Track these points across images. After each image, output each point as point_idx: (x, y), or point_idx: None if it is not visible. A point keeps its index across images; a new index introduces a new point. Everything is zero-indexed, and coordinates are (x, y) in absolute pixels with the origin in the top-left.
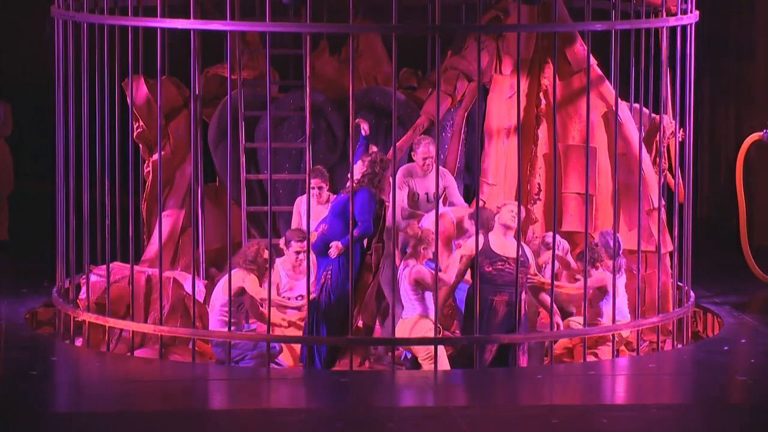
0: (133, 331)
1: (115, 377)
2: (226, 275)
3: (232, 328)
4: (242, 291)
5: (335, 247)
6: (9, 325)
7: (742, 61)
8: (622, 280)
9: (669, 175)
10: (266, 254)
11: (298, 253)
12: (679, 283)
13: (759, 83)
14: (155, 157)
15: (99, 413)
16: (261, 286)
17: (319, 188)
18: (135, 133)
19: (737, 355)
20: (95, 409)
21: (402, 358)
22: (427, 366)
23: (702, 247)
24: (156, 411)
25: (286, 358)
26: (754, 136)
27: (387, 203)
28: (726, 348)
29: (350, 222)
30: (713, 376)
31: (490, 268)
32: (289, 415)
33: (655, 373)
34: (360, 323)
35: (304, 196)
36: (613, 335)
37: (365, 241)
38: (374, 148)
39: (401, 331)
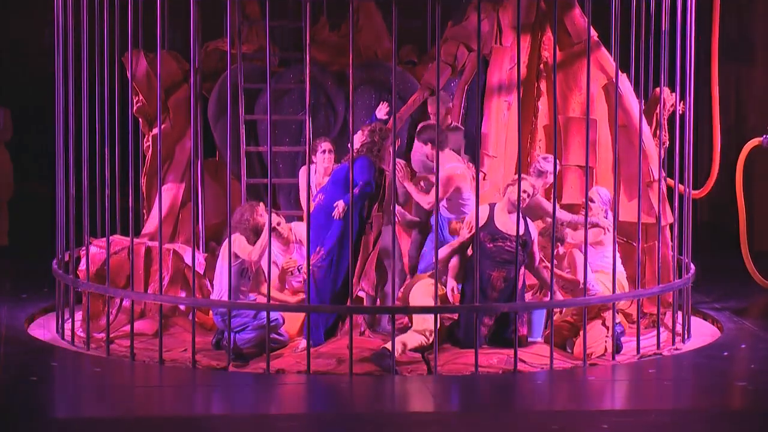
0: (133, 301)
1: (114, 382)
2: (226, 242)
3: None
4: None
5: (339, 206)
6: (9, 330)
7: (742, 65)
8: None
9: (669, 180)
10: (260, 210)
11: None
12: (679, 256)
13: (758, 87)
14: (155, 131)
15: (99, 418)
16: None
17: (330, 151)
18: (135, 108)
19: (737, 360)
20: (95, 415)
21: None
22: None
23: (702, 251)
24: (156, 416)
25: (287, 329)
26: (754, 141)
27: (387, 172)
28: (726, 353)
29: (350, 189)
30: (713, 382)
31: (491, 245)
32: (288, 420)
33: (655, 378)
34: (361, 293)
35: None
36: (614, 304)
37: (365, 212)
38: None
39: (420, 289)
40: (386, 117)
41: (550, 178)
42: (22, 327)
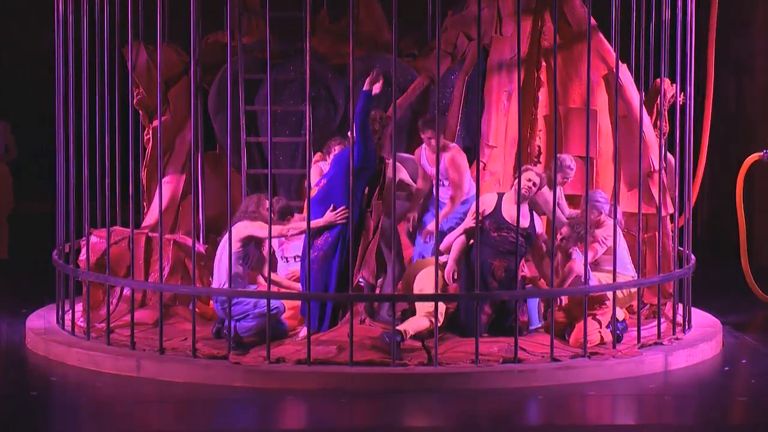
0: (133, 290)
1: (115, 397)
2: (232, 228)
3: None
4: (248, 240)
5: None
6: (9, 344)
7: (742, 78)
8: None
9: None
10: (267, 204)
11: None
12: (679, 248)
13: (759, 102)
14: (155, 123)
15: None
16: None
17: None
18: (135, 100)
19: (738, 375)
20: (95, 430)
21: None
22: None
23: (702, 266)
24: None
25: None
26: (755, 156)
27: (387, 160)
28: (726, 368)
29: (350, 176)
30: (713, 397)
31: (496, 234)
32: None
33: (655, 393)
34: (361, 281)
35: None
36: (614, 293)
37: (364, 201)
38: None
39: (425, 275)
40: (377, 93)
41: (570, 174)
42: (22, 342)
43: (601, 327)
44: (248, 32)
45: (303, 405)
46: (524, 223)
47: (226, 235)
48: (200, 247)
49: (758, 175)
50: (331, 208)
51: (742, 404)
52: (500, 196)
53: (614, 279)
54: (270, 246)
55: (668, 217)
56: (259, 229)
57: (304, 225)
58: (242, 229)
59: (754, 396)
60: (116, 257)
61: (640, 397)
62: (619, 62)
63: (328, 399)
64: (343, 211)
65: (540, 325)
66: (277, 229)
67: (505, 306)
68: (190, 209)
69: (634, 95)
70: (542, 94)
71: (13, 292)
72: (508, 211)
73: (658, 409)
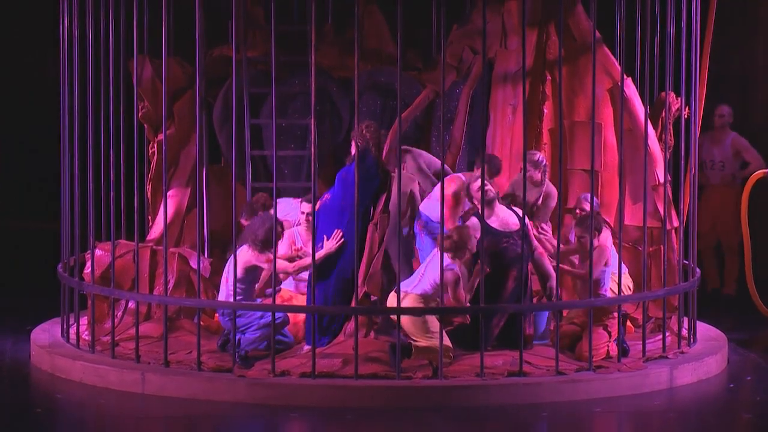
0: (138, 302)
1: (120, 414)
2: (238, 250)
3: (239, 298)
4: (252, 268)
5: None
6: (14, 362)
7: (746, 90)
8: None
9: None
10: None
11: (306, 213)
12: (684, 261)
13: (762, 114)
14: (160, 137)
15: None
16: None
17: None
18: (140, 114)
19: (742, 392)
20: None
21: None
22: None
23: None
24: None
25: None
26: (759, 173)
27: (393, 174)
28: (731, 385)
29: (356, 189)
30: (718, 414)
31: (505, 245)
32: None
33: (660, 410)
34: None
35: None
36: (620, 306)
37: (371, 212)
38: None
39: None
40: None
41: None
42: (27, 359)
43: (611, 339)
44: (253, 46)
45: (307, 422)
46: (515, 225)
47: (232, 255)
48: (205, 261)
49: (763, 192)
50: (324, 238)
51: (747, 421)
52: (479, 216)
53: (619, 292)
54: (275, 254)
55: (673, 231)
56: (265, 263)
57: (307, 261)
58: (248, 256)
59: (759, 413)
60: (121, 270)
61: (644, 415)
62: (624, 75)
63: (333, 416)
64: (338, 235)
65: (547, 342)
66: (282, 265)
67: (512, 316)
68: (195, 222)
69: (639, 108)
70: (547, 108)
71: (17, 311)
72: (497, 222)
73: (663, 427)
